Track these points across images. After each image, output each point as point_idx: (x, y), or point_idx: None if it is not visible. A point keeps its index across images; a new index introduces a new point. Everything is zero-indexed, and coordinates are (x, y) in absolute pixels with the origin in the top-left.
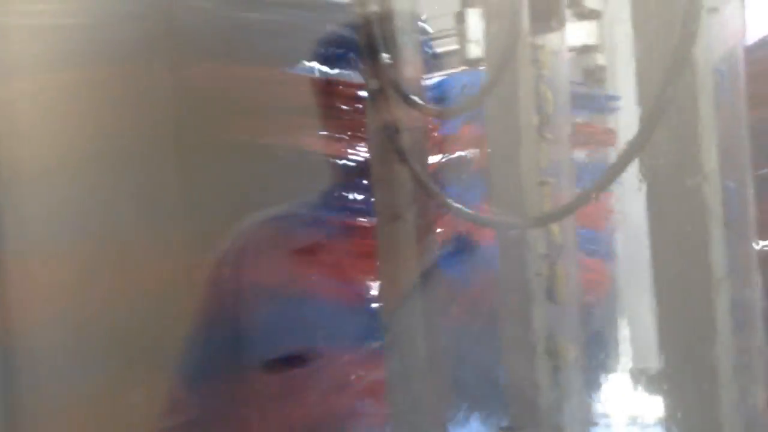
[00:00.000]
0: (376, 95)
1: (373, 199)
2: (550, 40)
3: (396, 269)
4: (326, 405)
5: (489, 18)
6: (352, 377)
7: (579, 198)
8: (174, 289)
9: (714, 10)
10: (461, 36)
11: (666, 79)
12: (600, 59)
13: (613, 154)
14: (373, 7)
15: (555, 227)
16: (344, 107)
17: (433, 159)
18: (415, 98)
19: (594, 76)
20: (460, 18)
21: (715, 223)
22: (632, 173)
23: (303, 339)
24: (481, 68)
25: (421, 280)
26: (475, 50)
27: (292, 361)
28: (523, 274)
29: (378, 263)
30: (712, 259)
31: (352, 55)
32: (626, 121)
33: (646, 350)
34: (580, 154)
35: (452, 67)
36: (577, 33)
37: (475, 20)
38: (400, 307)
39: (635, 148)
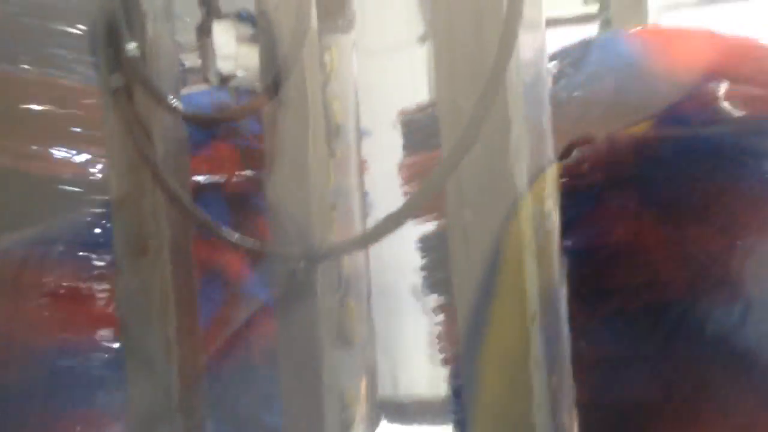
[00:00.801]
0: (119, 94)
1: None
2: (339, 42)
3: (143, 315)
4: None
5: (276, 14)
6: None
7: (378, 228)
8: None
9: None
10: (205, 51)
11: (481, 97)
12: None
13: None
14: None
15: (345, 258)
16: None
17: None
18: (173, 99)
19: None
20: (203, 31)
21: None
22: None
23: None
24: (231, 85)
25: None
26: (224, 66)
27: None
28: (310, 313)
29: (119, 305)
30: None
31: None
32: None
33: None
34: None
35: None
36: None
37: (221, 33)
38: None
39: (444, 174)
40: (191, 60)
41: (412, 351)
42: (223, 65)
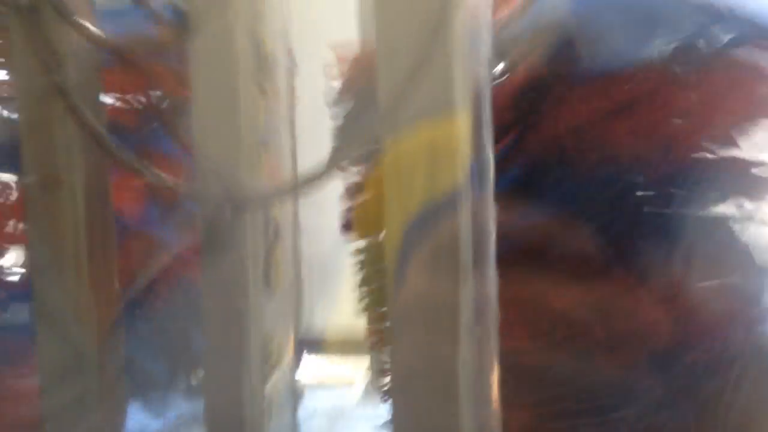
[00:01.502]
0: (26, 14)
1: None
2: None
3: (53, 247)
4: None
5: None
6: None
7: (315, 174)
8: None
9: None
10: None
11: (423, 45)
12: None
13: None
14: None
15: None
16: None
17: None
18: (84, 21)
19: None
20: None
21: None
22: None
23: None
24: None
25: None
26: None
27: None
28: (236, 259)
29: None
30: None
31: None
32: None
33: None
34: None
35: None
36: None
37: None
38: (56, 285)
39: (385, 119)
40: None
41: (335, 284)
42: None
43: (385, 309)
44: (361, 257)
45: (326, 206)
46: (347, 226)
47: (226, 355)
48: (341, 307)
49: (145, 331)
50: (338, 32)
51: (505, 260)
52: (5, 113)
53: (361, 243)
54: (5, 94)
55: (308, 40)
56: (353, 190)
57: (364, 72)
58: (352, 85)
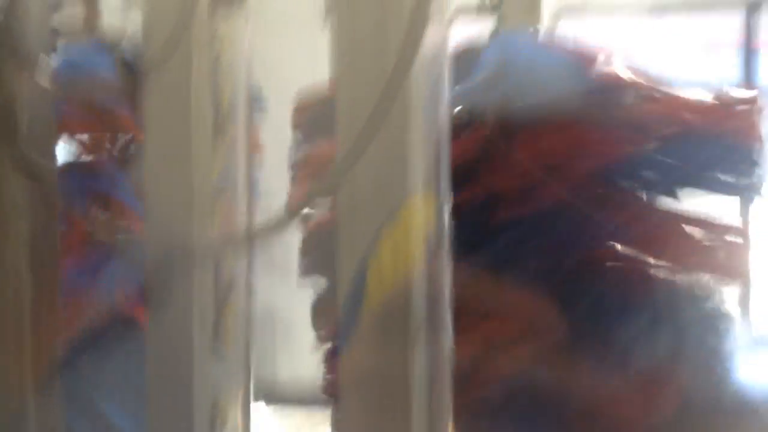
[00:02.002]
0: None
1: None
2: (232, 23)
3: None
4: None
5: None
6: None
7: (277, 220)
8: None
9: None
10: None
11: (385, 90)
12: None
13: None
14: None
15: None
16: None
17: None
18: (41, 65)
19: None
20: None
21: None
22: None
23: None
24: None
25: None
26: (113, 21)
27: None
28: (183, 316)
29: None
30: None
31: None
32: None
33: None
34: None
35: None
36: None
37: None
38: None
39: (344, 169)
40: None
41: (293, 333)
42: (111, 20)
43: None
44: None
45: (286, 254)
46: (305, 273)
47: (170, 418)
48: (301, 357)
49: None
50: (309, 77)
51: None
52: None
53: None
54: None
55: (282, 86)
56: (310, 238)
57: (318, 119)
58: (309, 132)
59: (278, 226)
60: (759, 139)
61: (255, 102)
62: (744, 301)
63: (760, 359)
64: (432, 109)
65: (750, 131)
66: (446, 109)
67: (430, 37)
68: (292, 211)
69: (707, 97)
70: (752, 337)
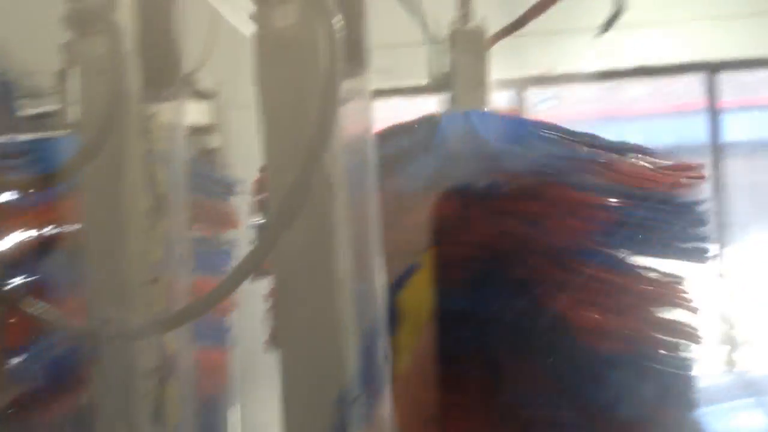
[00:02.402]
0: None
1: None
2: (164, 110)
3: None
4: None
5: (90, 77)
6: None
7: (199, 303)
8: None
9: (347, 98)
10: (62, 96)
11: (299, 178)
12: (214, 141)
13: (235, 236)
14: None
15: (168, 335)
16: None
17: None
18: None
19: (208, 157)
20: (62, 77)
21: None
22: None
23: None
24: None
25: None
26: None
27: None
28: (126, 395)
29: None
30: (345, 373)
31: None
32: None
33: None
34: (195, 235)
35: (53, 130)
36: (191, 113)
37: (77, 80)
38: None
39: (263, 250)
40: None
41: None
42: (75, 112)
43: None
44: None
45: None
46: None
47: None
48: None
49: None
50: None
51: None
52: None
53: None
54: None
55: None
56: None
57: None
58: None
59: (198, 310)
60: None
61: (229, 187)
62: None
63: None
64: (359, 186)
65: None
66: (374, 185)
67: (352, 117)
68: (213, 296)
69: (657, 165)
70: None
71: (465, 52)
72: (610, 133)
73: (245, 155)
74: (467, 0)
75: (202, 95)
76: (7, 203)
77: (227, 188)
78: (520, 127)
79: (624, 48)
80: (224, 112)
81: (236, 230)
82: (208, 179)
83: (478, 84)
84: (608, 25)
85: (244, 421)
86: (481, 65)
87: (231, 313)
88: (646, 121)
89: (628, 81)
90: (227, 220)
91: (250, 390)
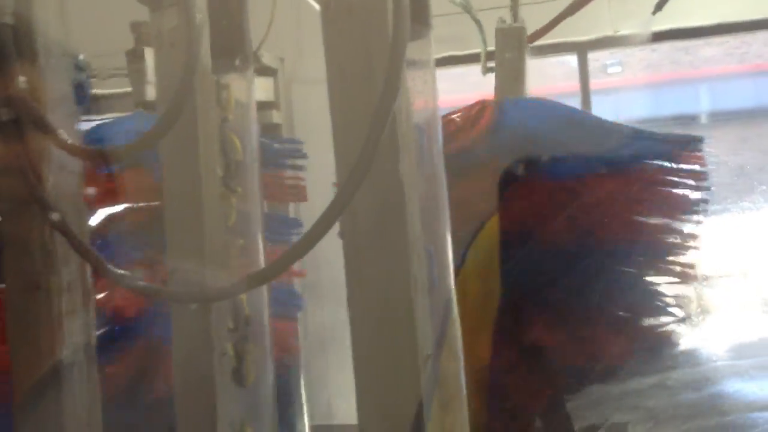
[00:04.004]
0: (8, 128)
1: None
2: (236, 81)
3: (31, 350)
4: None
5: (164, 50)
6: None
7: (275, 265)
8: None
9: (413, 63)
10: (136, 76)
11: (370, 133)
12: (276, 117)
13: (302, 209)
14: (6, 18)
15: (244, 297)
16: None
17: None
18: (64, 135)
19: (269, 132)
20: (136, 56)
21: (419, 290)
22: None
23: None
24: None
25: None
26: (152, 92)
27: None
28: (206, 354)
29: (9, 341)
30: (417, 330)
31: None
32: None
33: (323, 408)
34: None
35: (122, 111)
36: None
37: (153, 59)
38: (37, 392)
39: (336, 211)
40: (123, 84)
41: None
42: (151, 91)
43: None
44: None
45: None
46: None
47: None
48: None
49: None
50: None
51: None
52: None
53: None
54: None
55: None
56: None
57: None
58: None
59: (277, 270)
60: None
61: (293, 152)
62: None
63: None
64: (427, 150)
65: None
66: (440, 149)
67: (417, 82)
68: (290, 255)
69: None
70: None
71: (509, 49)
72: (682, 96)
73: (305, 130)
74: (516, 1)
75: (265, 70)
76: (94, 178)
77: (292, 161)
78: (557, 113)
79: (695, 5)
80: (286, 88)
81: (301, 202)
82: (273, 152)
83: (518, 75)
84: (663, 2)
85: (309, 385)
86: (521, 60)
87: (301, 281)
88: (721, 82)
89: (700, 41)
90: (292, 192)
91: (316, 354)
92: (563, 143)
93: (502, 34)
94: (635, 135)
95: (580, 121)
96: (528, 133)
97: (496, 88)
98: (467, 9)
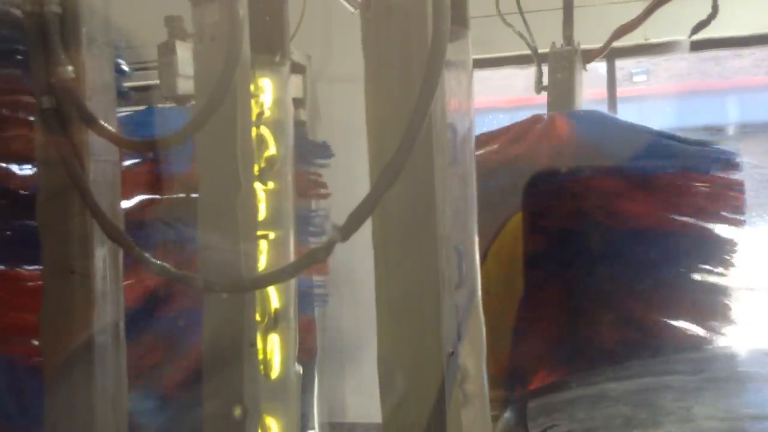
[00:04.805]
0: (50, 116)
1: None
2: (274, 76)
3: (65, 332)
4: None
5: (204, 45)
6: None
7: (303, 259)
8: None
9: (450, 64)
10: (167, 69)
11: (406, 133)
12: (302, 114)
13: (325, 207)
14: (53, 7)
15: (272, 290)
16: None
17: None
18: (105, 124)
19: (299, 129)
20: (168, 49)
21: (446, 287)
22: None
23: None
24: (190, 106)
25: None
26: (184, 86)
27: None
28: (235, 344)
29: (42, 322)
30: (443, 327)
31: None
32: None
33: (337, 405)
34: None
35: (153, 103)
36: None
37: (185, 53)
38: (67, 372)
39: (367, 208)
40: (154, 77)
41: (364, 376)
42: (184, 85)
43: None
44: None
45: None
46: None
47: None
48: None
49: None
50: None
51: None
52: None
53: None
54: None
55: (344, 131)
56: None
57: None
58: None
59: (306, 262)
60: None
61: (321, 152)
62: None
63: None
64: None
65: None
66: (472, 149)
67: (452, 88)
68: (322, 249)
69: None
70: None
71: (561, 70)
72: (709, 106)
73: (331, 128)
74: (570, 23)
75: (294, 67)
76: (128, 168)
77: (320, 159)
78: (620, 124)
79: (727, 16)
80: (314, 86)
81: (327, 199)
82: (304, 149)
83: (570, 94)
84: (700, 27)
85: (322, 382)
86: (573, 81)
87: (325, 278)
88: (749, 93)
89: (728, 51)
90: (314, 189)
91: (331, 353)
92: (626, 151)
93: (554, 56)
94: (684, 145)
95: (640, 131)
96: (602, 143)
97: (548, 104)
98: (525, 40)
